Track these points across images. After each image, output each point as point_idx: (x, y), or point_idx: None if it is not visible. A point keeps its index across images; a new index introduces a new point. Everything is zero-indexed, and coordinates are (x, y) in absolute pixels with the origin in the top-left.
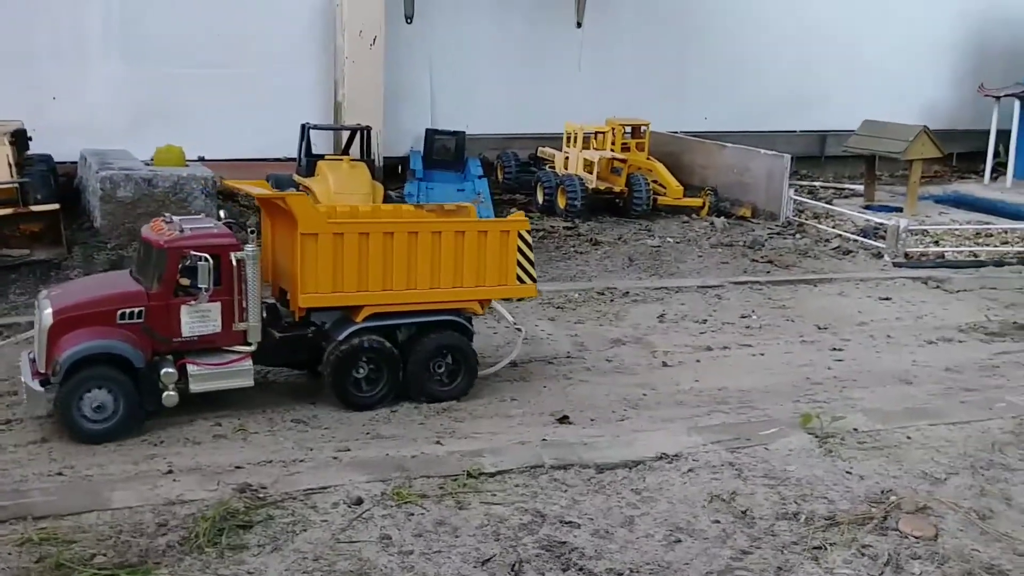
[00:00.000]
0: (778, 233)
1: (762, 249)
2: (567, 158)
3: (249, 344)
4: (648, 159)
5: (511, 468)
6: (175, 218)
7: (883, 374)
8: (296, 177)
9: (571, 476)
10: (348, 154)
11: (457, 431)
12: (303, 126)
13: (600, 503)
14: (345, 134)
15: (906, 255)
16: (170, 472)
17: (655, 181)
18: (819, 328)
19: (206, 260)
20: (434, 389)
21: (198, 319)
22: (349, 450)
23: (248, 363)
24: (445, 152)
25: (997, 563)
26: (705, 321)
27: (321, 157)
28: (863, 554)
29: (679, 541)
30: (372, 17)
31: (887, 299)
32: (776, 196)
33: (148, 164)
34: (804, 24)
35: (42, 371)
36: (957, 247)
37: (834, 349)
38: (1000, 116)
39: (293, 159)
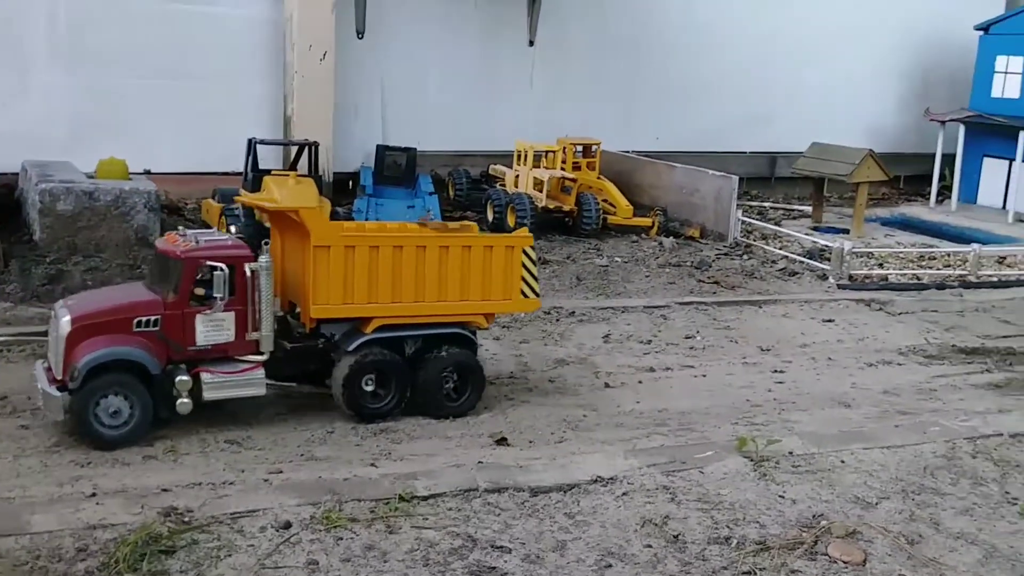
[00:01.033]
0: (726, 254)
1: (709, 270)
2: (517, 176)
3: (261, 353)
4: (598, 178)
5: (444, 491)
6: (188, 231)
7: (822, 396)
8: (242, 192)
9: (505, 500)
10: (296, 169)
11: (393, 452)
12: (250, 141)
13: (532, 527)
14: (294, 149)
15: (850, 277)
16: (94, 495)
17: (605, 200)
18: (762, 350)
19: (222, 270)
20: (443, 404)
21: (213, 328)
22: (281, 472)
23: (261, 372)
24: (396, 168)
25: None
26: (650, 342)
27: (268, 172)
28: None
29: (610, 566)
30: (322, 32)
31: (830, 321)
32: (724, 217)
33: (91, 177)
34: (755, 46)
35: (59, 377)
36: (901, 270)
37: (775, 371)
38: (945, 140)
39: (241, 173)
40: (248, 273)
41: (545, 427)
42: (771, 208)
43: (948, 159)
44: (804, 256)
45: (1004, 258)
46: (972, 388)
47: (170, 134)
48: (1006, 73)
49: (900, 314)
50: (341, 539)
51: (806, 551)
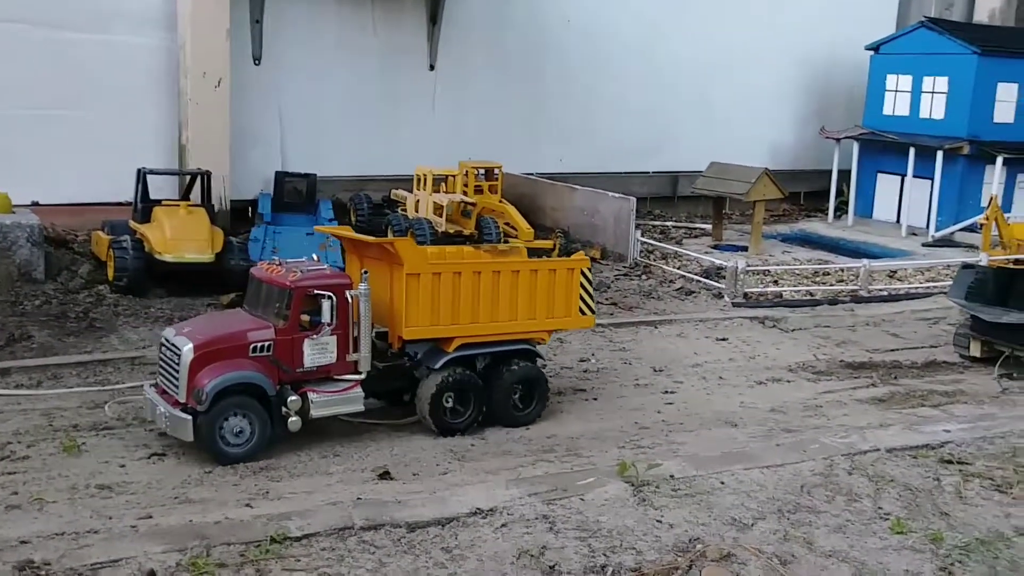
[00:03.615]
0: (625, 275)
1: (607, 291)
2: (418, 201)
3: (359, 373)
4: (500, 202)
5: (318, 531)
6: (285, 260)
7: (710, 417)
8: (132, 223)
9: (381, 537)
10: (188, 199)
11: (271, 491)
12: (139, 171)
13: (407, 564)
14: (188, 178)
15: (745, 295)
16: None
17: (507, 224)
18: (655, 371)
19: (330, 298)
20: (512, 414)
21: (318, 351)
22: (151, 517)
23: (359, 390)
24: (296, 195)
25: None
26: (544, 367)
27: (158, 202)
28: None
29: None
30: (217, 58)
31: (724, 339)
32: (624, 238)
33: None
34: (656, 69)
35: (182, 401)
36: (795, 286)
37: (666, 392)
38: (841, 157)
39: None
40: (349, 299)
41: (431, 458)
42: (673, 227)
43: (845, 175)
44: (701, 275)
45: (895, 272)
46: (857, 403)
47: (60, 165)
48: (896, 91)
49: (793, 330)
50: None
51: None
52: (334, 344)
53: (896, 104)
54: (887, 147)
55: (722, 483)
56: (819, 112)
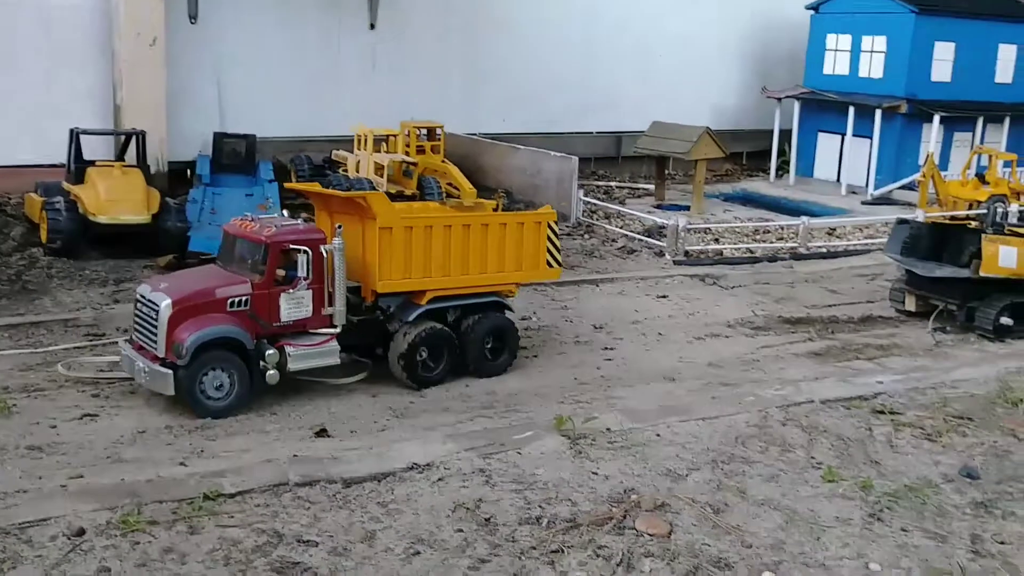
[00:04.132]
0: (567, 234)
1: None
2: (359, 162)
3: (335, 327)
4: (443, 161)
5: (253, 488)
6: (257, 216)
7: (648, 372)
8: (65, 184)
9: (316, 493)
10: (123, 160)
11: (206, 450)
12: (72, 131)
13: (343, 519)
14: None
15: (686, 253)
16: None
17: (449, 184)
18: (595, 328)
19: (306, 252)
20: (486, 363)
21: (294, 305)
22: (82, 477)
23: (335, 343)
24: (235, 156)
25: (725, 556)
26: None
27: (92, 163)
28: (598, 555)
29: (418, 553)
30: (151, 17)
31: (664, 297)
32: (566, 197)
33: None
34: (598, 29)
35: (160, 355)
36: (736, 244)
37: (606, 348)
38: (782, 116)
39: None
40: (324, 254)
41: (369, 416)
42: (617, 187)
43: (787, 135)
44: (643, 234)
45: (834, 229)
46: (793, 357)
47: None
48: (836, 51)
49: (733, 287)
50: (138, 543)
51: (614, 526)
52: (310, 298)
53: (836, 63)
54: (827, 106)
55: (658, 435)
56: (761, 72)
